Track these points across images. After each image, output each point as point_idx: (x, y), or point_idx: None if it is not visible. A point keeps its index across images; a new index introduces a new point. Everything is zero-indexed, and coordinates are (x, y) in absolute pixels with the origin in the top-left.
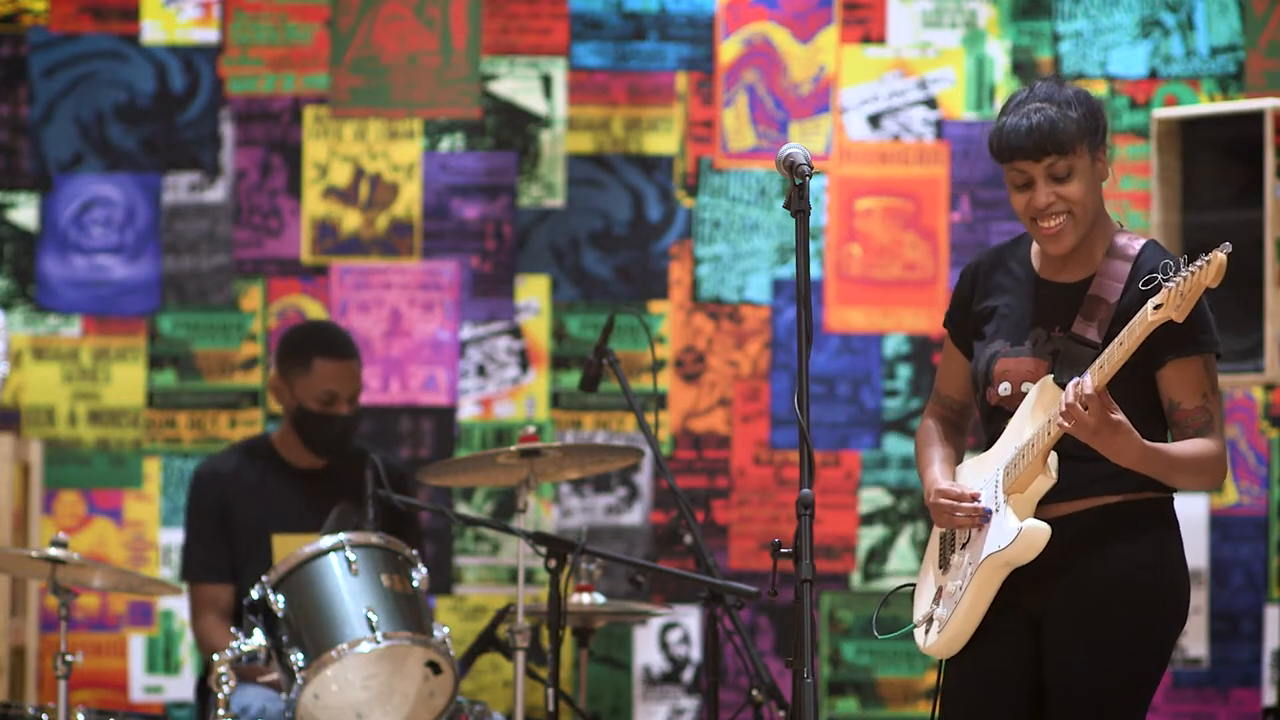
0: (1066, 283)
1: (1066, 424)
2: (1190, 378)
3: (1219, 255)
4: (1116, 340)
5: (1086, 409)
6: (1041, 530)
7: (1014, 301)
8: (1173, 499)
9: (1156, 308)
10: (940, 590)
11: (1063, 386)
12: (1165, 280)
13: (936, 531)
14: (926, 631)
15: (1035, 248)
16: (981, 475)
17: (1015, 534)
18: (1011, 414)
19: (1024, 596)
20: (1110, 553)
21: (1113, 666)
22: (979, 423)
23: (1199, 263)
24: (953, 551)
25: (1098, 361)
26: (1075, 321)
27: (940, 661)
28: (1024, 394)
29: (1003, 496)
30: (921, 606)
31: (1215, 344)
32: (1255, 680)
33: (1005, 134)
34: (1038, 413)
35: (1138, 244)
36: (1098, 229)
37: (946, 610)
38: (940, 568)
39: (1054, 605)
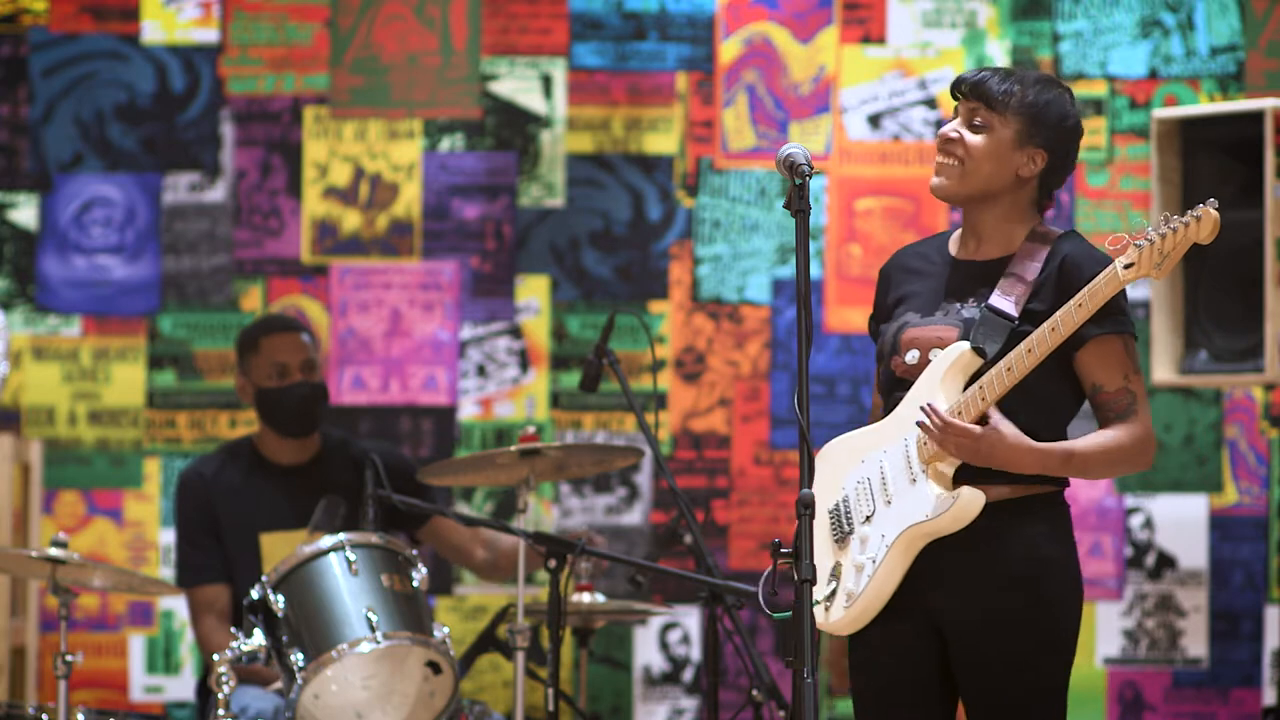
0: (982, 260)
1: (934, 445)
2: (1111, 358)
3: (1210, 210)
4: (1074, 302)
5: (943, 434)
6: (978, 498)
7: (925, 282)
8: (1064, 490)
9: (1128, 266)
10: (838, 565)
11: (979, 352)
12: (1138, 240)
13: (824, 505)
14: (828, 609)
15: (954, 236)
16: (881, 446)
17: (950, 502)
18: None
19: (922, 592)
20: (1008, 547)
21: (1027, 667)
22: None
23: (1185, 218)
24: (849, 527)
25: (1004, 363)
26: (993, 295)
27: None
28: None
29: (920, 465)
30: (818, 585)
31: (1132, 325)
32: (1255, 680)
33: (969, 71)
34: (952, 378)
35: (1057, 232)
36: (1015, 217)
37: (856, 585)
38: (837, 543)
39: (955, 604)
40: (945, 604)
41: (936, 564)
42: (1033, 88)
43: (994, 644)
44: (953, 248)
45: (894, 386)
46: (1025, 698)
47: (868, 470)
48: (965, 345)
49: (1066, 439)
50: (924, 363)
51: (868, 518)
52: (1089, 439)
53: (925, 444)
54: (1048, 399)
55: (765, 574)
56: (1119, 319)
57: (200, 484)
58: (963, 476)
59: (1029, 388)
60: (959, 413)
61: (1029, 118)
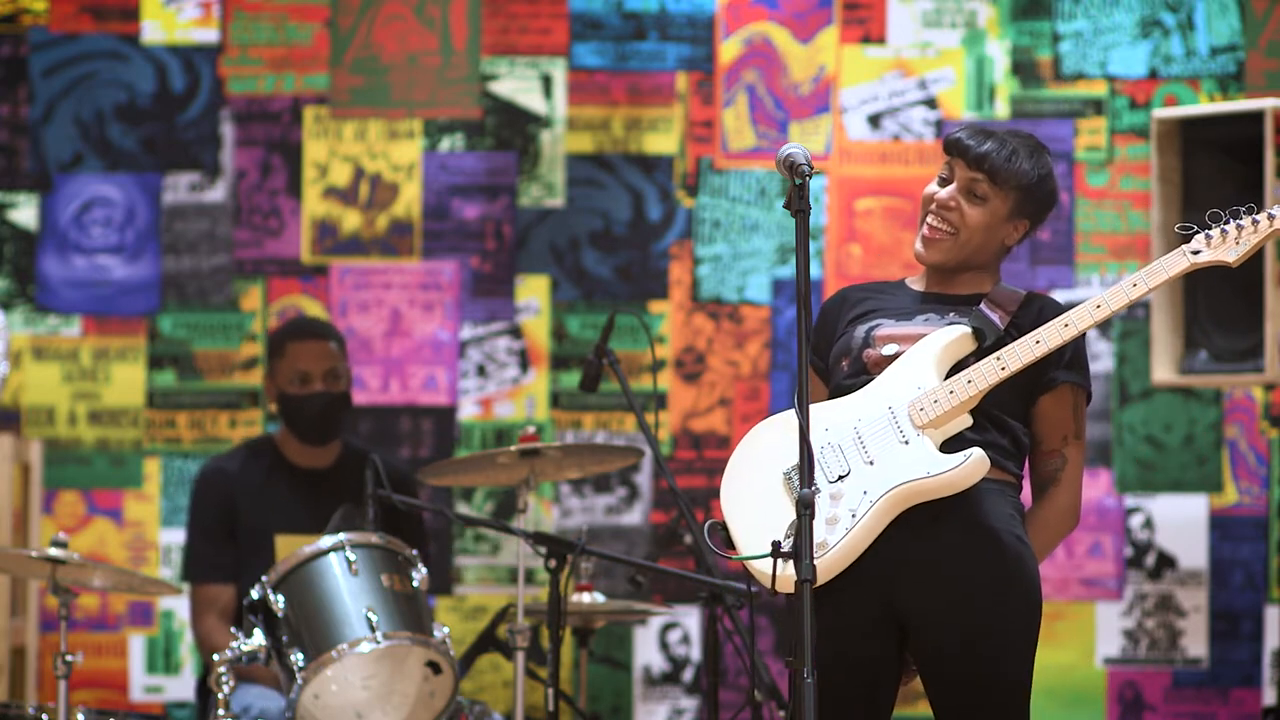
0: (958, 294)
1: (931, 413)
2: (1063, 413)
3: None
4: (1129, 281)
5: None
6: (985, 462)
7: (893, 301)
8: (1021, 489)
9: (1196, 252)
10: (777, 547)
11: (979, 334)
12: (1209, 230)
13: (778, 467)
14: (788, 560)
15: (909, 281)
16: (853, 414)
17: (963, 459)
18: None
19: (889, 571)
20: (984, 524)
21: (997, 643)
22: None
23: (1274, 210)
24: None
25: (1034, 335)
26: (981, 304)
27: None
28: None
29: (914, 429)
30: (770, 537)
31: (1090, 385)
32: (1255, 680)
33: (967, 132)
34: (946, 356)
35: (1023, 291)
36: (985, 276)
37: (830, 535)
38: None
39: (928, 580)
40: (917, 577)
41: (907, 537)
42: (1028, 160)
43: (970, 615)
44: (914, 287)
45: (858, 374)
46: (996, 669)
47: (835, 436)
48: (965, 327)
49: (1022, 465)
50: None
51: (841, 477)
52: (1038, 539)
53: (922, 409)
54: (1023, 403)
55: (709, 524)
56: (1086, 374)
57: (223, 480)
58: (945, 448)
59: (1003, 422)
60: (969, 380)
61: (1024, 192)
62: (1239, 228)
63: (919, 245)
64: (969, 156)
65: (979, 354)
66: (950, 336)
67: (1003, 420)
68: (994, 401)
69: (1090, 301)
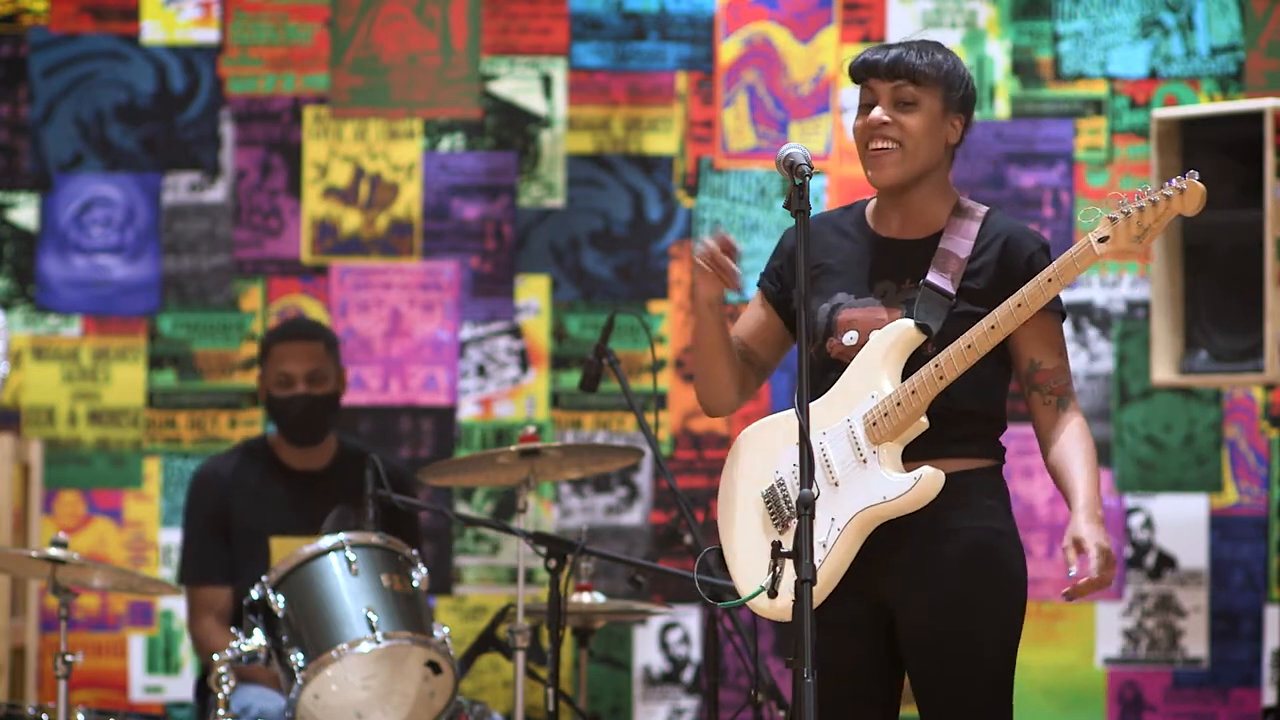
0: (911, 239)
1: (884, 428)
2: (1049, 336)
3: (1195, 182)
4: (1044, 276)
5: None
6: (938, 478)
7: (850, 258)
8: (1003, 466)
9: (1102, 240)
10: (779, 547)
11: (924, 329)
12: (1113, 214)
13: (756, 489)
14: (772, 594)
15: (870, 208)
16: (818, 427)
17: (911, 483)
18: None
19: (873, 571)
20: (961, 520)
21: (979, 642)
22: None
23: (1168, 189)
24: (790, 511)
25: (964, 340)
26: (929, 272)
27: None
28: None
29: (870, 447)
30: (757, 569)
31: (1063, 308)
32: (1255, 680)
33: (868, 52)
34: (896, 355)
35: (982, 209)
36: (939, 192)
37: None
38: (777, 526)
39: (909, 580)
40: (898, 580)
41: (888, 540)
42: (938, 51)
43: (948, 620)
44: (872, 222)
45: (827, 368)
46: (976, 673)
47: None
48: (909, 322)
49: (1002, 414)
50: (863, 344)
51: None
52: (1079, 464)
53: (875, 424)
54: (985, 377)
55: (705, 551)
56: (1056, 299)
57: (217, 483)
58: (910, 452)
59: (970, 413)
60: (913, 390)
61: (947, 84)
62: (1140, 210)
63: (869, 171)
64: (881, 70)
65: (935, 338)
66: (893, 336)
67: (970, 412)
68: (966, 385)
69: (1012, 299)
